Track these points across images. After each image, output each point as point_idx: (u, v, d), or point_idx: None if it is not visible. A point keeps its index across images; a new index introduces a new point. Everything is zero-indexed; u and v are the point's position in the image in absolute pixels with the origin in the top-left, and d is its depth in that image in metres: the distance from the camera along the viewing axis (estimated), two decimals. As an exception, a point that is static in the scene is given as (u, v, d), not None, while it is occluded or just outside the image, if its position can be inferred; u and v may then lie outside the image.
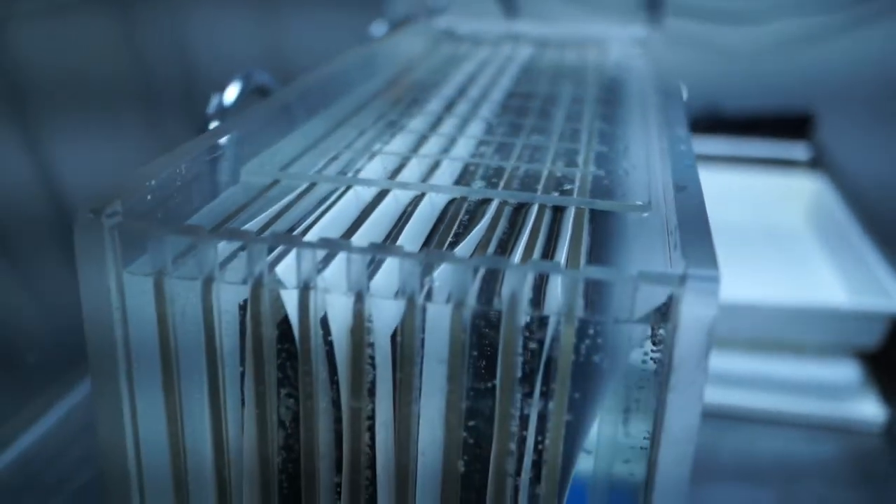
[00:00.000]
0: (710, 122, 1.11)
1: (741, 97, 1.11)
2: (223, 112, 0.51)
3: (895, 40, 1.09)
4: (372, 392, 0.30)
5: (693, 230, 0.29)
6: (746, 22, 1.11)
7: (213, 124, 0.51)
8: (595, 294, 0.28)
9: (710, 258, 0.27)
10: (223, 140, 0.36)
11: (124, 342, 0.30)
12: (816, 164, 1.08)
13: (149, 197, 0.31)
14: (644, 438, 0.31)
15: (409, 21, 0.77)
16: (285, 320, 0.30)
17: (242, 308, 0.31)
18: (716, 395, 0.69)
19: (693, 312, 0.26)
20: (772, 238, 0.96)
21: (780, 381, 0.72)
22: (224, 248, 0.30)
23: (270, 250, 0.29)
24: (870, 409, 0.70)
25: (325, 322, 0.29)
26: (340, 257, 0.29)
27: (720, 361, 0.71)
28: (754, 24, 1.11)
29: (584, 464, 0.31)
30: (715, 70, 1.15)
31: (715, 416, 0.69)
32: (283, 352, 0.30)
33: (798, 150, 1.09)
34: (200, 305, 0.29)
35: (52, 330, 0.58)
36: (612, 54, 0.65)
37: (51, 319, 0.58)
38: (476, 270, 0.28)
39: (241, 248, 0.30)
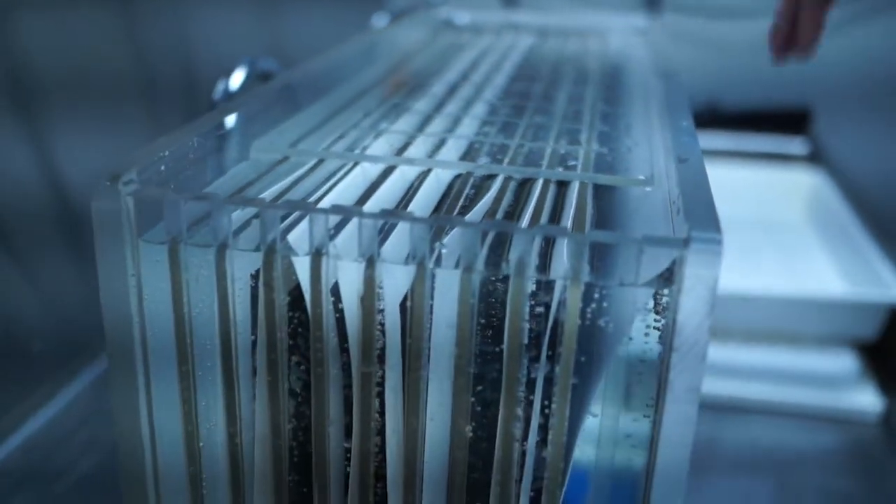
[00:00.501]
0: (708, 116, 1.12)
1: (739, 92, 1.12)
2: (229, 97, 0.52)
3: (891, 36, 1.10)
4: (381, 358, 0.30)
5: (695, 197, 0.30)
6: (744, 17, 1.11)
7: (219, 109, 0.52)
8: (600, 260, 0.29)
9: (712, 222, 0.28)
10: (233, 117, 0.37)
11: (139, 310, 0.31)
12: (814, 158, 1.09)
13: (163, 168, 0.32)
14: (647, 406, 0.32)
15: (411, 12, 0.78)
16: (296, 289, 0.31)
17: (254, 277, 0.31)
18: (714, 386, 0.70)
19: (697, 273, 0.26)
20: (770, 231, 0.97)
21: (778, 372, 0.73)
22: (237, 218, 0.31)
23: (283, 218, 0.30)
24: (867, 399, 0.71)
25: (335, 290, 0.30)
26: (351, 226, 0.30)
27: (718, 352, 0.72)
28: (751, 19, 1.12)
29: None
30: (713, 65, 1.15)
31: (713, 407, 0.69)
32: (294, 320, 0.31)
33: (796, 145, 1.10)
34: (214, 272, 0.30)
35: (56, 320, 0.59)
36: (612, 43, 0.66)
37: (54, 310, 0.58)
38: (485, 235, 0.29)
39: (255, 216, 0.31)
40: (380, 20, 0.80)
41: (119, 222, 0.30)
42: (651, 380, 0.31)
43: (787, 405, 0.70)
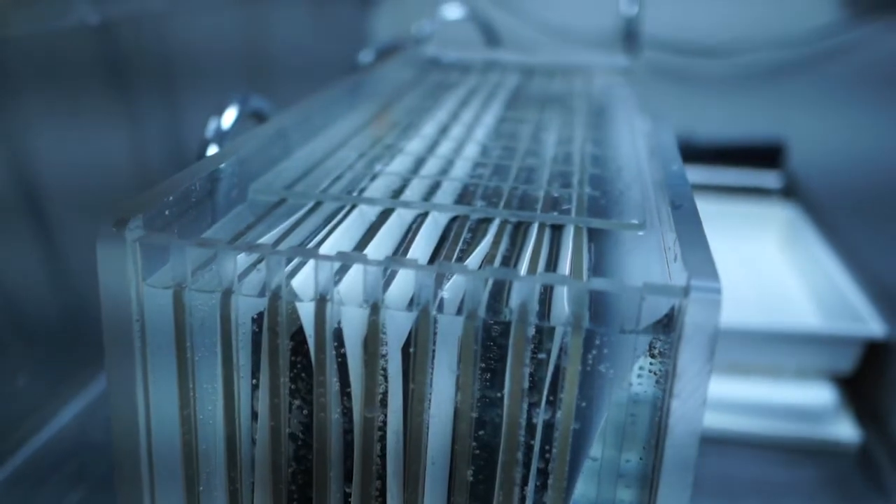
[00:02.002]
0: (683, 151, 1.13)
1: (714, 127, 1.13)
2: (221, 135, 0.52)
3: (860, 72, 1.12)
4: (383, 402, 0.31)
5: (691, 244, 0.30)
6: (719, 55, 1.13)
7: (212, 147, 0.52)
8: (599, 305, 0.29)
9: (710, 269, 0.28)
10: (232, 159, 0.37)
11: (142, 354, 0.31)
12: (789, 192, 1.11)
13: (167, 212, 0.32)
14: (642, 448, 0.32)
15: (397, 49, 0.79)
16: (297, 333, 0.31)
17: (255, 321, 0.31)
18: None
19: (697, 321, 0.27)
20: (746, 264, 0.98)
21: (757, 405, 0.73)
22: (240, 261, 0.31)
23: (287, 262, 0.30)
24: (845, 431, 0.72)
25: (338, 335, 0.30)
26: (355, 271, 0.30)
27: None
28: (726, 57, 1.14)
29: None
30: (688, 100, 1.17)
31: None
32: (297, 364, 0.31)
33: (770, 179, 1.12)
34: (218, 317, 0.30)
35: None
36: (597, 82, 0.67)
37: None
38: (487, 282, 0.29)
39: (258, 262, 0.31)
40: (366, 56, 0.80)
41: (124, 267, 0.30)
42: (644, 421, 0.32)
43: (765, 437, 0.71)
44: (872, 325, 0.78)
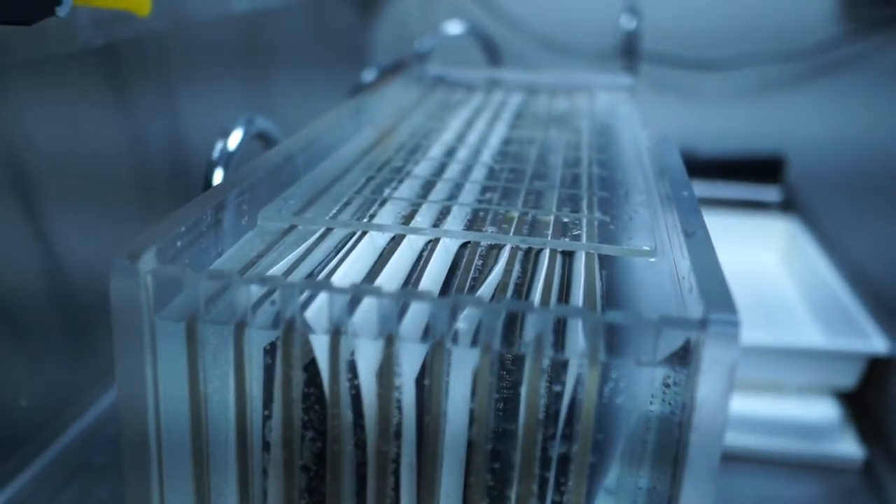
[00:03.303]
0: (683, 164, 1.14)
1: (713, 141, 1.13)
2: (228, 157, 0.52)
3: (860, 87, 1.12)
4: (397, 435, 0.30)
5: (707, 274, 0.30)
6: (718, 69, 1.13)
7: (218, 170, 0.52)
8: (614, 336, 0.29)
9: (728, 302, 0.28)
10: (241, 187, 0.37)
11: (154, 386, 0.31)
12: (788, 206, 1.11)
13: (178, 243, 0.31)
14: (657, 478, 0.32)
15: (400, 68, 0.79)
16: (310, 364, 0.31)
17: (267, 351, 0.31)
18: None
19: (716, 356, 0.27)
20: (747, 279, 0.98)
21: (760, 421, 0.73)
22: (252, 292, 0.31)
23: (300, 293, 0.30)
24: (849, 447, 0.71)
25: (352, 366, 0.30)
26: (369, 303, 0.30)
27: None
28: (725, 70, 1.14)
29: None
30: (688, 114, 1.17)
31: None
32: (311, 396, 0.31)
33: (770, 193, 1.12)
34: (232, 349, 0.30)
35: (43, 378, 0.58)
36: (600, 101, 0.67)
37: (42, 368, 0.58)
38: (502, 314, 0.29)
39: (271, 292, 0.31)
40: (369, 75, 0.80)
41: (137, 300, 0.29)
42: (656, 450, 0.31)
43: (769, 453, 0.71)
44: (875, 341, 0.78)
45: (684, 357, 0.28)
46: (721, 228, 1.04)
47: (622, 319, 0.28)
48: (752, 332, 0.76)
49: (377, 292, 0.29)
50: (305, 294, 0.31)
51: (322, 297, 0.30)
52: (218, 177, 0.52)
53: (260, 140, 0.56)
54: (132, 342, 0.30)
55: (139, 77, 0.63)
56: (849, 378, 0.77)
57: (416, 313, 0.30)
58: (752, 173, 1.12)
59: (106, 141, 0.60)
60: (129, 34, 0.60)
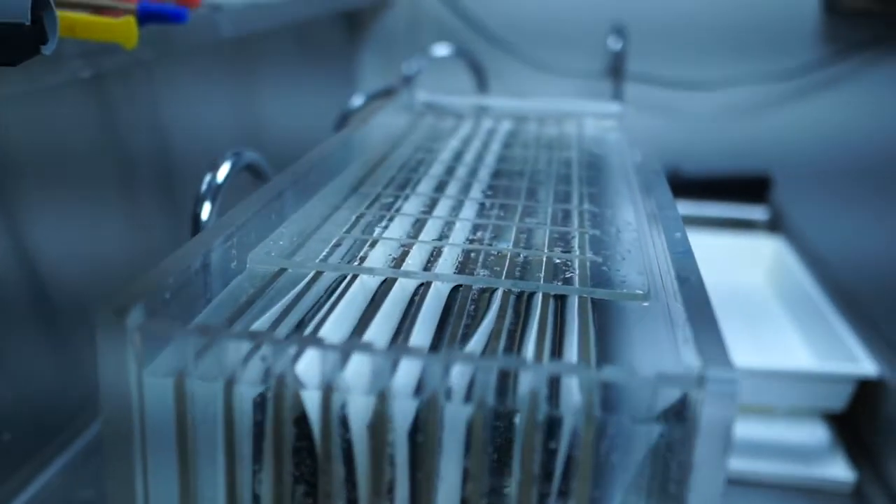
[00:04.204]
0: (669, 184, 1.13)
1: (700, 160, 1.13)
2: (216, 190, 0.51)
3: (844, 106, 1.12)
4: (390, 490, 0.30)
5: (703, 326, 0.30)
6: (704, 88, 1.14)
7: (206, 203, 0.51)
8: (609, 392, 0.28)
9: (724, 357, 0.28)
10: (229, 232, 0.36)
11: (142, 444, 0.30)
12: (774, 225, 1.10)
13: (167, 295, 0.31)
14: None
15: (389, 94, 0.78)
16: (301, 417, 0.30)
17: (257, 404, 0.30)
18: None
19: (713, 414, 0.26)
20: (733, 298, 0.98)
21: (750, 443, 0.73)
22: (241, 349, 0.30)
23: (292, 351, 0.29)
24: (839, 470, 0.71)
25: (343, 420, 0.29)
26: (361, 358, 0.29)
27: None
28: (711, 90, 1.14)
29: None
30: (674, 133, 1.17)
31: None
32: (302, 451, 0.30)
33: (756, 212, 1.12)
34: (221, 406, 0.29)
35: (27, 408, 0.57)
36: (588, 129, 0.66)
37: (25, 398, 0.57)
38: (495, 370, 0.28)
39: (258, 347, 0.30)
40: (357, 100, 0.80)
41: (124, 356, 0.29)
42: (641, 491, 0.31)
43: (759, 475, 0.70)
44: (865, 364, 0.78)
45: (680, 413, 0.28)
46: (707, 247, 1.04)
47: (618, 377, 0.27)
48: (740, 355, 0.76)
49: (369, 349, 0.28)
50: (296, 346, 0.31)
51: (313, 351, 0.30)
52: (206, 210, 0.52)
53: (249, 172, 0.55)
54: (119, 399, 0.29)
55: (127, 105, 0.62)
56: (839, 401, 0.77)
57: (408, 365, 0.30)
58: (738, 192, 1.12)
59: (94, 166, 0.60)
60: (115, 65, 0.59)
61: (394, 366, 0.29)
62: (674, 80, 1.14)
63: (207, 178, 0.51)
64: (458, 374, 0.29)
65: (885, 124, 1.02)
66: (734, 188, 1.12)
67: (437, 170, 0.53)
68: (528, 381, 0.28)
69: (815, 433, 0.75)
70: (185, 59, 0.68)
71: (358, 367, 0.29)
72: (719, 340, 0.29)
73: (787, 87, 1.13)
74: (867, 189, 1.02)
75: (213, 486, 0.31)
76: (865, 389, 0.77)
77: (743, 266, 1.04)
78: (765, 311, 0.96)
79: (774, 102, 1.14)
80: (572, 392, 0.28)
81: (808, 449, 0.74)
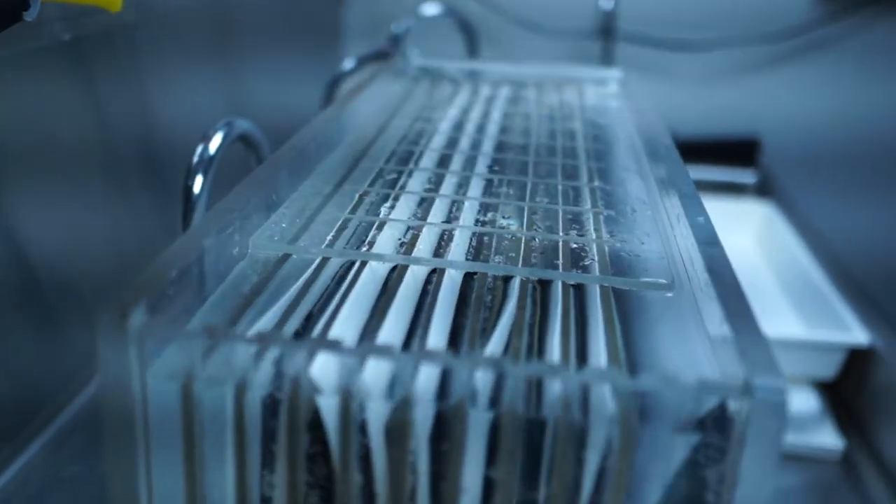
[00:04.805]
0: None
1: (688, 123, 1.11)
2: (208, 162, 0.49)
3: (836, 69, 1.10)
4: (412, 498, 0.28)
5: (742, 325, 0.28)
6: (694, 50, 1.11)
7: (198, 176, 0.48)
8: (644, 400, 0.26)
9: (771, 362, 0.26)
10: (230, 218, 0.34)
11: (145, 446, 0.28)
12: (763, 189, 1.09)
13: (170, 291, 0.28)
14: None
15: (380, 56, 0.75)
16: (314, 419, 0.28)
17: (266, 405, 0.28)
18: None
19: (762, 427, 0.24)
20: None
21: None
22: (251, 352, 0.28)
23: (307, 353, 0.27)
24: (828, 438, 0.70)
25: (361, 427, 0.27)
26: (382, 361, 0.27)
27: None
28: (701, 51, 1.11)
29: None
30: (663, 95, 1.15)
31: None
32: (317, 457, 0.28)
33: (745, 176, 1.10)
34: (231, 411, 0.27)
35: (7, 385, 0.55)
36: (589, 97, 0.64)
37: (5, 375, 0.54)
38: (525, 376, 0.26)
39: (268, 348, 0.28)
40: (348, 63, 0.76)
41: (126, 358, 0.26)
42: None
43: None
44: (857, 333, 0.77)
45: (720, 421, 0.26)
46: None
47: (657, 385, 0.25)
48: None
49: (388, 353, 0.26)
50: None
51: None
52: (198, 183, 0.49)
53: (241, 143, 0.52)
54: (121, 405, 0.27)
55: (108, 69, 0.59)
56: (829, 369, 0.76)
57: (431, 368, 0.27)
58: (727, 155, 1.10)
59: (76, 133, 0.57)
60: (96, 28, 0.55)
61: (415, 369, 0.27)
62: (664, 41, 1.11)
63: (199, 149, 0.49)
64: (483, 377, 0.27)
65: (877, 88, 1.00)
66: (722, 151, 1.10)
67: (438, 142, 0.51)
68: (557, 387, 0.26)
69: (805, 401, 0.74)
70: (166, 23, 0.65)
71: (376, 369, 0.27)
72: (763, 342, 0.27)
73: (777, 50, 1.11)
74: (859, 155, 1.00)
75: (220, 489, 0.29)
76: (856, 358, 0.76)
77: (731, 231, 1.01)
78: (754, 277, 0.95)
79: (765, 65, 1.12)
80: (605, 400, 0.26)
81: (798, 417, 0.73)
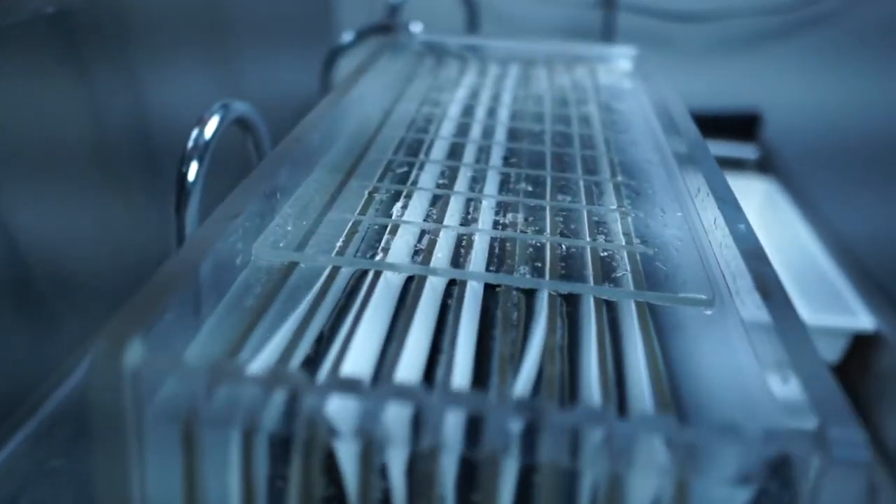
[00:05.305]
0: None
1: (688, 95, 1.07)
2: (203, 147, 0.45)
3: (840, 44, 1.06)
4: (437, 548, 0.25)
5: (804, 360, 0.25)
6: (696, 20, 1.07)
7: (193, 163, 0.45)
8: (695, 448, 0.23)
9: (844, 410, 0.23)
10: (233, 223, 0.30)
11: (141, 490, 0.24)
12: (765, 166, 1.06)
13: (168, 316, 0.25)
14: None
15: (381, 30, 0.71)
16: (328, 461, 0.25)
17: (273, 444, 0.25)
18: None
19: (839, 486, 0.21)
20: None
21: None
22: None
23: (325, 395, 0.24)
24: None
25: (381, 471, 0.24)
26: (404, 404, 0.24)
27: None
28: (703, 22, 1.07)
29: None
30: (663, 66, 1.11)
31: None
32: (333, 499, 0.25)
33: (746, 151, 1.07)
34: (238, 458, 0.24)
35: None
36: (602, 78, 0.60)
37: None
38: (568, 425, 0.23)
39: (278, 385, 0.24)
40: (347, 37, 0.72)
41: (121, 398, 0.23)
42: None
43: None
44: (861, 318, 0.74)
45: (782, 474, 0.23)
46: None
47: (715, 437, 0.22)
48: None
49: (413, 395, 0.23)
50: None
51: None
52: (193, 170, 0.45)
53: (238, 126, 0.49)
54: (114, 448, 0.23)
55: (94, 44, 0.55)
56: (833, 353, 0.74)
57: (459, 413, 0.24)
58: (728, 130, 1.06)
59: (63, 112, 0.53)
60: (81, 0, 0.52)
61: (442, 414, 0.24)
62: (666, 11, 1.07)
63: (194, 133, 0.45)
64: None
65: (881, 63, 0.96)
66: (723, 125, 1.07)
67: (448, 129, 0.47)
68: (600, 434, 0.23)
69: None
70: (151, 12, 0.60)
71: (398, 410, 0.24)
72: (831, 385, 0.24)
73: (782, 22, 1.07)
74: (863, 133, 0.97)
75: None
76: (860, 343, 0.74)
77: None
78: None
79: (768, 37, 1.08)
80: (654, 448, 0.23)
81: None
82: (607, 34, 1.08)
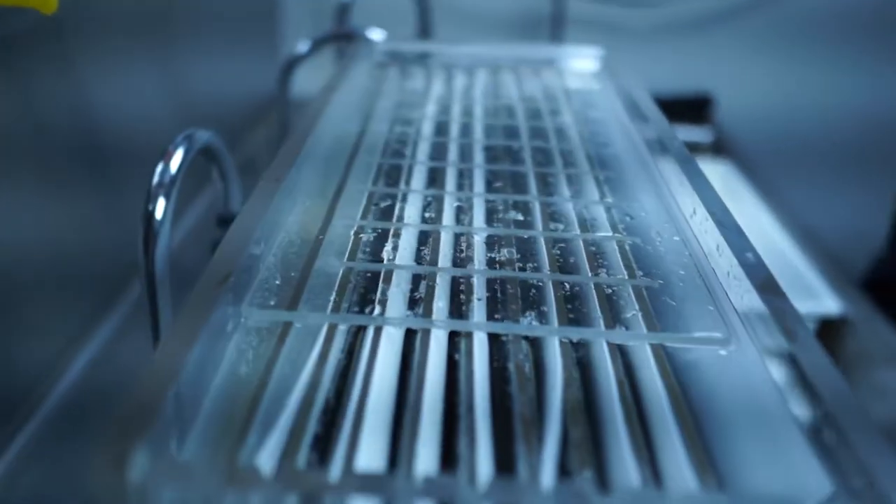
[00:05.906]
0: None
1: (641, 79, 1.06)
2: (170, 183, 0.42)
3: (787, 25, 1.06)
4: None
5: (845, 417, 0.23)
6: (643, 5, 1.06)
7: (160, 200, 0.42)
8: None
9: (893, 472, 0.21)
10: (226, 294, 0.28)
11: None
12: (718, 147, 1.05)
13: (168, 419, 0.23)
14: None
15: (338, 38, 0.68)
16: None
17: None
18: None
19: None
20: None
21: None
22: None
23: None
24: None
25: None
26: None
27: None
28: (654, 6, 1.06)
29: None
30: (614, 50, 1.10)
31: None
32: None
33: (700, 134, 1.06)
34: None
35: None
36: (572, 82, 0.58)
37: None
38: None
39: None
40: (303, 47, 0.69)
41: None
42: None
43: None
44: (827, 302, 0.74)
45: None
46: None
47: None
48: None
49: (447, 490, 0.21)
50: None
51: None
52: (160, 208, 0.43)
53: (203, 155, 0.46)
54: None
55: (39, 63, 0.51)
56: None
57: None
58: (680, 113, 1.06)
59: (7, 129, 0.49)
60: (23, 24, 0.48)
61: None
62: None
63: (159, 168, 0.42)
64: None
65: (829, 45, 0.96)
66: (676, 109, 1.06)
67: (424, 151, 0.45)
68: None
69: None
70: (94, 17, 0.57)
71: None
72: (877, 439, 0.22)
73: (730, 5, 1.06)
74: (814, 114, 0.97)
75: None
76: (827, 327, 0.74)
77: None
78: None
79: (717, 20, 1.07)
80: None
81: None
82: (558, 22, 1.06)
